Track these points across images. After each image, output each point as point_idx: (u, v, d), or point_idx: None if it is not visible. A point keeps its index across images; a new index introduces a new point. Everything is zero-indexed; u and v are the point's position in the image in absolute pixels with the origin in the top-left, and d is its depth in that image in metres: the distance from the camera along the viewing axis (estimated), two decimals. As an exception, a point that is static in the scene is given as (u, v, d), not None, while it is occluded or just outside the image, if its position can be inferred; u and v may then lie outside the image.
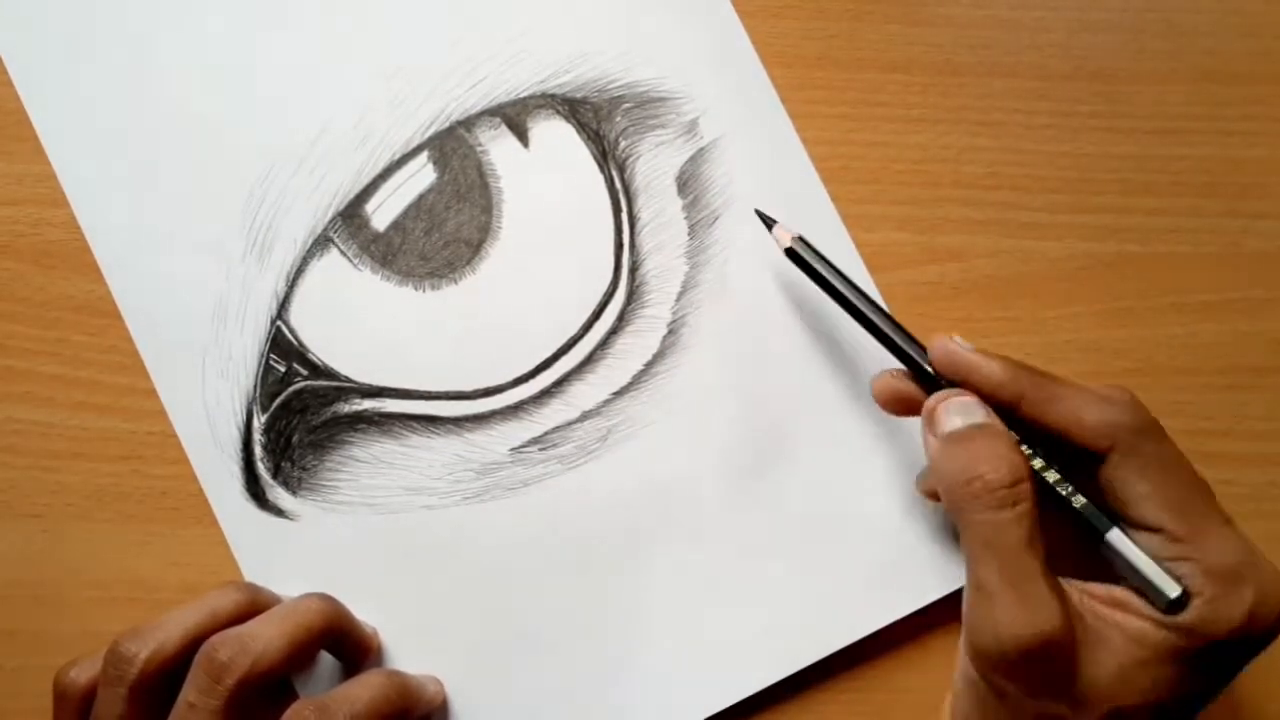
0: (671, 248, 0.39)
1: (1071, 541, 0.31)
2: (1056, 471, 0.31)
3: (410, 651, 0.37)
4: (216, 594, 0.34)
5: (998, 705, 0.30)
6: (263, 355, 0.38)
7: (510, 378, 0.38)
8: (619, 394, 0.38)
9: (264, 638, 0.32)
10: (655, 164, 0.39)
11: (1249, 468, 0.40)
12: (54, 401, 0.38)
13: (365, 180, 0.38)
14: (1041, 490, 0.31)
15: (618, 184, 0.39)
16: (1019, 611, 0.29)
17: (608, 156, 0.39)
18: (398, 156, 0.38)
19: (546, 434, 0.38)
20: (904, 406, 0.34)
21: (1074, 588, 0.31)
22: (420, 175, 0.38)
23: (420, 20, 0.39)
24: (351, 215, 0.38)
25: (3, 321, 0.38)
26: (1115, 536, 0.30)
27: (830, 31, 0.40)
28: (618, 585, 0.37)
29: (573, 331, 0.38)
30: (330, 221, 0.38)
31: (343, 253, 0.38)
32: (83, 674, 0.33)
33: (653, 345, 0.38)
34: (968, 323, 0.39)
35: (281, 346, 0.38)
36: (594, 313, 0.38)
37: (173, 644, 0.32)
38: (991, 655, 0.29)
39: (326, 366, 0.38)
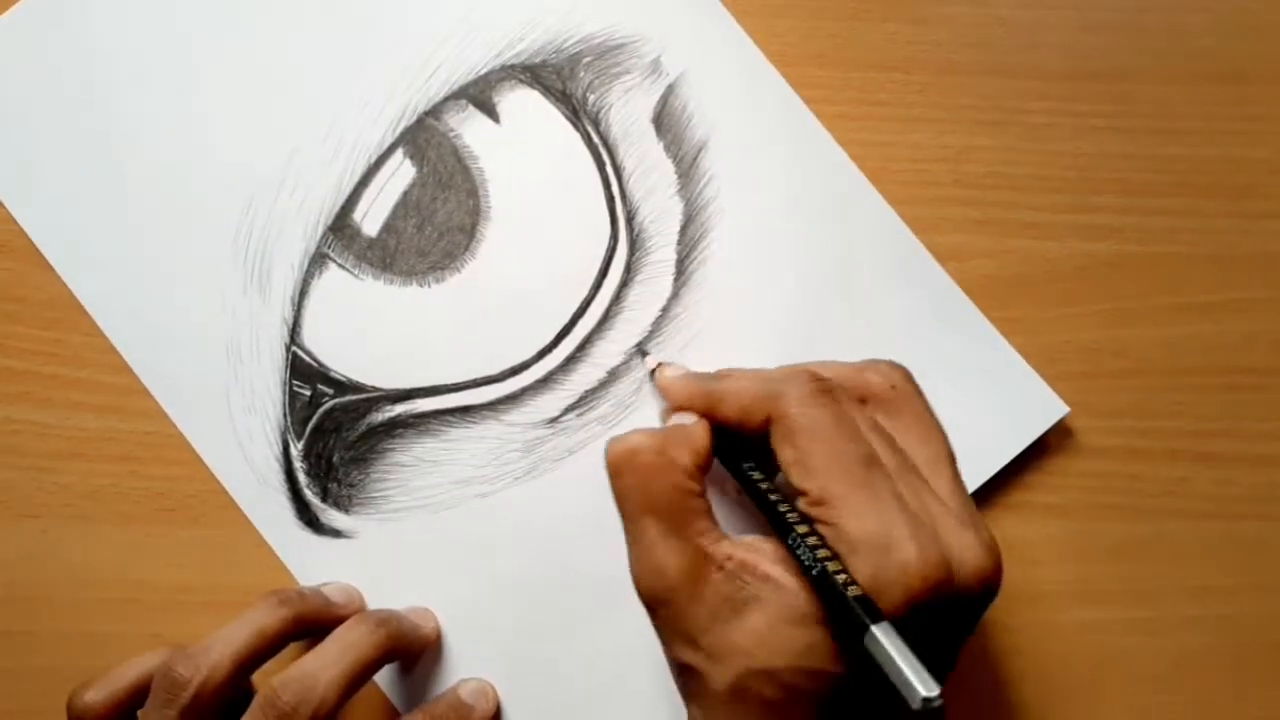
0: (662, 189, 0.38)
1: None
2: (828, 550, 0.29)
3: (480, 639, 0.37)
4: (262, 611, 0.34)
5: (660, 639, 0.32)
6: (285, 384, 0.38)
7: (534, 352, 0.38)
8: (642, 344, 0.38)
9: (323, 681, 0.32)
10: (628, 111, 0.39)
11: (1249, 468, 0.40)
12: (53, 402, 0.38)
13: (347, 190, 0.38)
14: (807, 564, 0.29)
15: (595, 138, 0.38)
16: (635, 569, 0.32)
17: (579, 114, 0.38)
18: (373, 159, 0.38)
19: (581, 399, 0.38)
20: None
21: (742, 546, 0.31)
22: (400, 173, 0.38)
23: (366, 21, 0.39)
24: (341, 227, 0.38)
25: (3, 321, 0.38)
26: (870, 636, 0.27)
27: (830, 31, 0.40)
28: None
29: (584, 293, 0.38)
30: (322, 238, 0.38)
31: (341, 266, 0.38)
32: (99, 696, 0.33)
33: (665, 289, 0.38)
34: (967, 323, 0.39)
35: (301, 371, 0.38)
36: (600, 270, 0.38)
37: (224, 669, 0.32)
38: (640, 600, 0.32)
39: (351, 381, 0.38)
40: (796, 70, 0.40)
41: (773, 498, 0.31)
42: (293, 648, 0.34)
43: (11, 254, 0.38)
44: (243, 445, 0.38)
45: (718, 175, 0.39)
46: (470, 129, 0.38)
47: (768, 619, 0.29)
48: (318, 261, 0.38)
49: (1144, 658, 0.39)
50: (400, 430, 0.38)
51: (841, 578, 0.28)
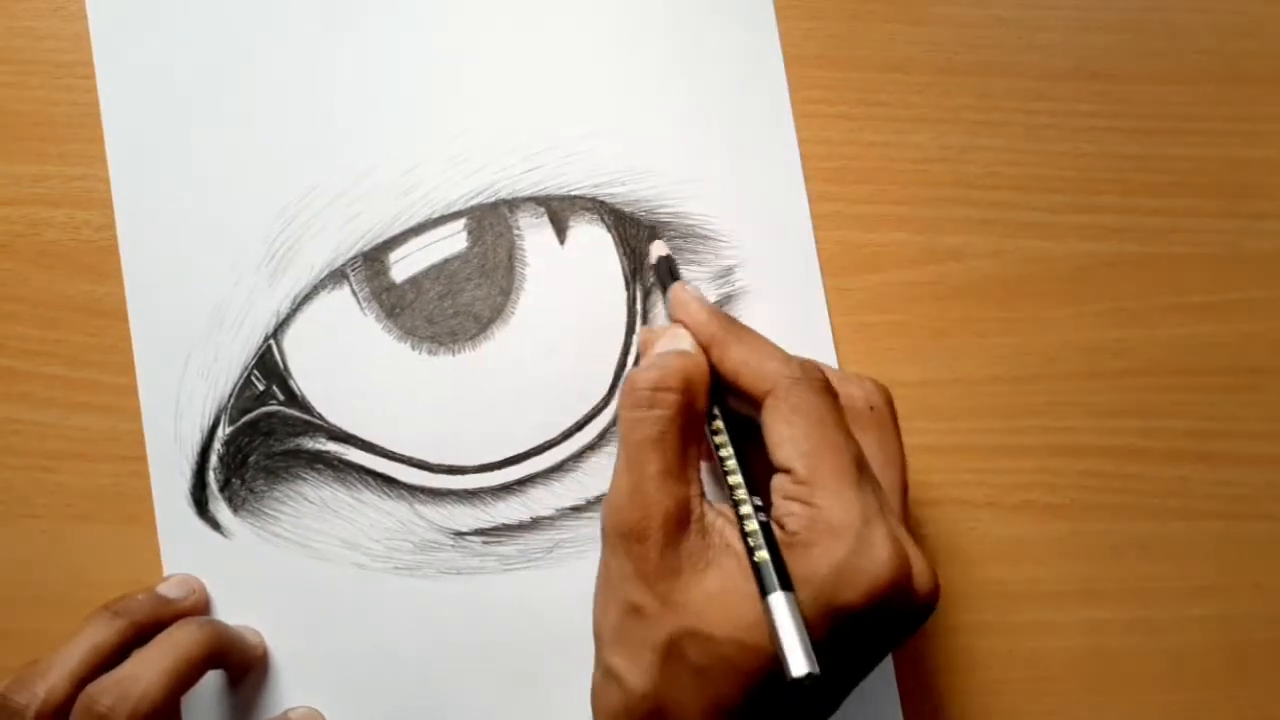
0: None
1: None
2: (759, 504, 0.31)
3: (304, 696, 0.37)
4: (96, 626, 0.33)
5: (606, 579, 0.32)
6: (247, 367, 0.38)
7: (476, 463, 0.38)
8: (577, 510, 0.38)
9: (144, 679, 0.32)
10: None
11: (1249, 468, 0.40)
12: (54, 402, 0.38)
13: (398, 229, 0.38)
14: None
15: (639, 305, 0.38)
16: (621, 498, 0.31)
17: (637, 276, 0.38)
18: (436, 215, 0.38)
19: (494, 529, 0.37)
20: None
21: (715, 510, 0.32)
22: (452, 241, 0.38)
23: (499, 93, 0.39)
24: (374, 259, 0.38)
25: (3, 321, 0.38)
26: (773, 600, 0.29)
27: (830, 31, 0.40)
28: (526, 697, 0.37)
29: (552, 435, 0.38)
30: (351, 259, 0.38)
31: (354, 292, 0.38)
32: None
33: None
34: (967, 323, 0.39)
35: (267, 365, 0.38)
36: (578, 423, 0.38)
37: (61, 690, 0.32)
38: (602, 526, 0.32)
39: (304, 398, 0.38)
40: (796, 70, 0.40)
41: (730, 464, 0.32)
42: None
43: (12, 254, 0.38)
44: (179, 401, 0.37)
45: None
46: (534, 236, 0.38)
47: (721, 586, 0.30)
48: (335, 277, 0.38)
49: (1144, 658, 0.39)
50: (321, 467, 0.37)
51: (760, 554, 0.29)
